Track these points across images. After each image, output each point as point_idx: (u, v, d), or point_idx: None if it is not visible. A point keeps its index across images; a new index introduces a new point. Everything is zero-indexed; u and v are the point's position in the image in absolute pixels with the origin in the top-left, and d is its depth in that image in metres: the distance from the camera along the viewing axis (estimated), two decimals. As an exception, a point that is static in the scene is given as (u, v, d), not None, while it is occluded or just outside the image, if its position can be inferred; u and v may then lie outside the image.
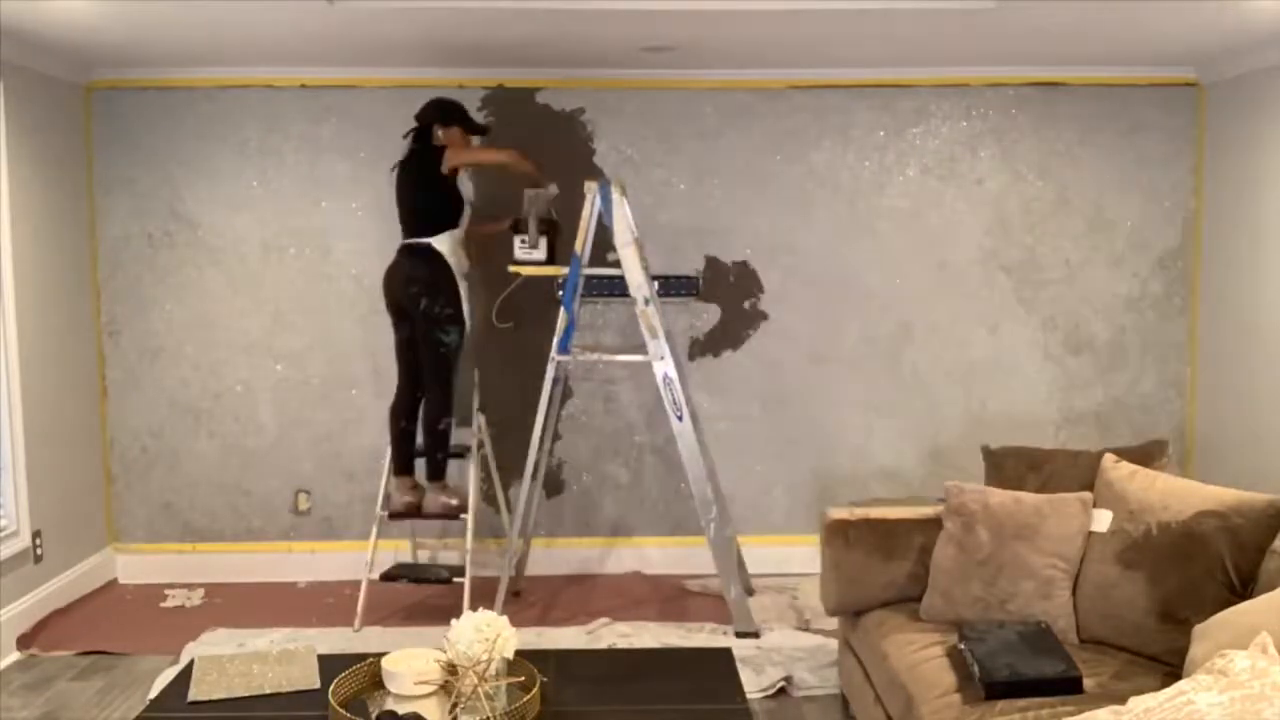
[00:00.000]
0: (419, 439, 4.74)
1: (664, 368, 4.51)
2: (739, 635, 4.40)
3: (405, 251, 4.63)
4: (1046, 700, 2.56)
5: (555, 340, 4.58)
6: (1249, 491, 2.89)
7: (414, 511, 4.72)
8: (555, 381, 4.68)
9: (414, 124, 4.70)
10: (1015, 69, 5.26)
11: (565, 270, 4.63)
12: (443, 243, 4.59)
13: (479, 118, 5.06)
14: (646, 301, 4.52)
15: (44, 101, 4.81)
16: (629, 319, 5.09)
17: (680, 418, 4.51)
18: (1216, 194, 5.23)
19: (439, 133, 4.66)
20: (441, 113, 4.68)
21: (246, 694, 2.79)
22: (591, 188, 4.55)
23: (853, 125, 5.33)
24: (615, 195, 4.52)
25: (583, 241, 4.57)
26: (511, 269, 4.74)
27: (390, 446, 4.74)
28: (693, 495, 4.55)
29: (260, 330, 5.31)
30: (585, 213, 4.56)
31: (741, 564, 4.88)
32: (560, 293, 4.72)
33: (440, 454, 4.71)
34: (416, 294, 4.56)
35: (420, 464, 4.74)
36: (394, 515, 4.73)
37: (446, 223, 4.62)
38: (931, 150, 5.35)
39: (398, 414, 4.73)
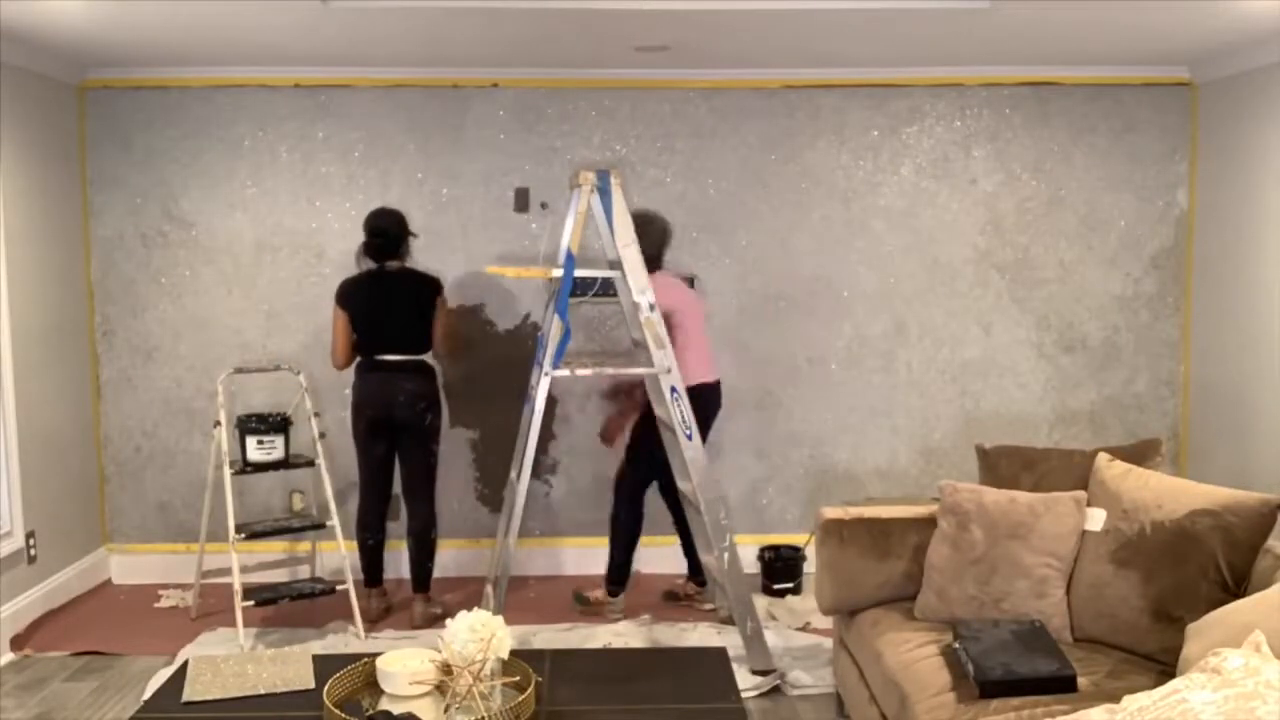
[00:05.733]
0: (371, 547, 4.78)
1: (671, 380, 4.10)
2: (754, 673, 4.05)
3: (396, 368, 4.60)
4: (1041, 699, 2.56)
5: (549, 351, 4.09)
6: (1242, 490, 2.90)
7: (381, 617, 4.73)
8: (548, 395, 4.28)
9: (376, 233, 4.60)
10: (1009, 69, 5.27)
11: (555, 272, 4.17)
12: (428, 359, 4.71)
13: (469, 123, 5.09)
14: (651, 307, 4.08)
15: (37, 101, 4.80)
16: (610, 320, 5.04)
17: (690, 436, 4.11)
18: (1209, 193, 5.24)
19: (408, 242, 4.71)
20: (405, 225, 4.68)
21: (241, 694, 2.79)
22: (588, 178, 4.06)
23: (847, 125, 5.34)
24: (615, 187, 4.07)
25: (578, 238, 4.12)
26: (492, 271, 4.57)
27: (360, 560, 4.76)
28: (705, 523, 4.17)
29: (254, 330, 5.31)
30: (580, 206, 4.07)
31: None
32: (555, 300, 4.19)
33: (430, 564, 4.74)
34: (424, 409, 4.63)
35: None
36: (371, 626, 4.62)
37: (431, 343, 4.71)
38: (925, 150, 5.36)
39: (367, 528, 4.74)
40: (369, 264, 4.63)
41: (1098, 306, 5.43)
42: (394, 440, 4.68)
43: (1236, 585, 2.74)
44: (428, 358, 4.69)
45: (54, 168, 4.96)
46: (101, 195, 5.23)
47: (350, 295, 4.62)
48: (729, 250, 5.36)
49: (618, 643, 4.38)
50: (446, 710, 2.52)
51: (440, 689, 2.63)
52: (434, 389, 4.70)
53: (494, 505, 5.29)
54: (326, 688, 2.62)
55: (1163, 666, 2.72)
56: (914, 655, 2.94)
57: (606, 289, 4.38)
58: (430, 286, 4.67)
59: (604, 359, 5.09)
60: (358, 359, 4.67)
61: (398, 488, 4.81)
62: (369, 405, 4.62)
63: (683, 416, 4.12)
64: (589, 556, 5.36)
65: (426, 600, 4.69)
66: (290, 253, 5.29)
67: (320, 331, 5.26)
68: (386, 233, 4.60)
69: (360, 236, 4.66)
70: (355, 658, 2.86)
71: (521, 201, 5.29)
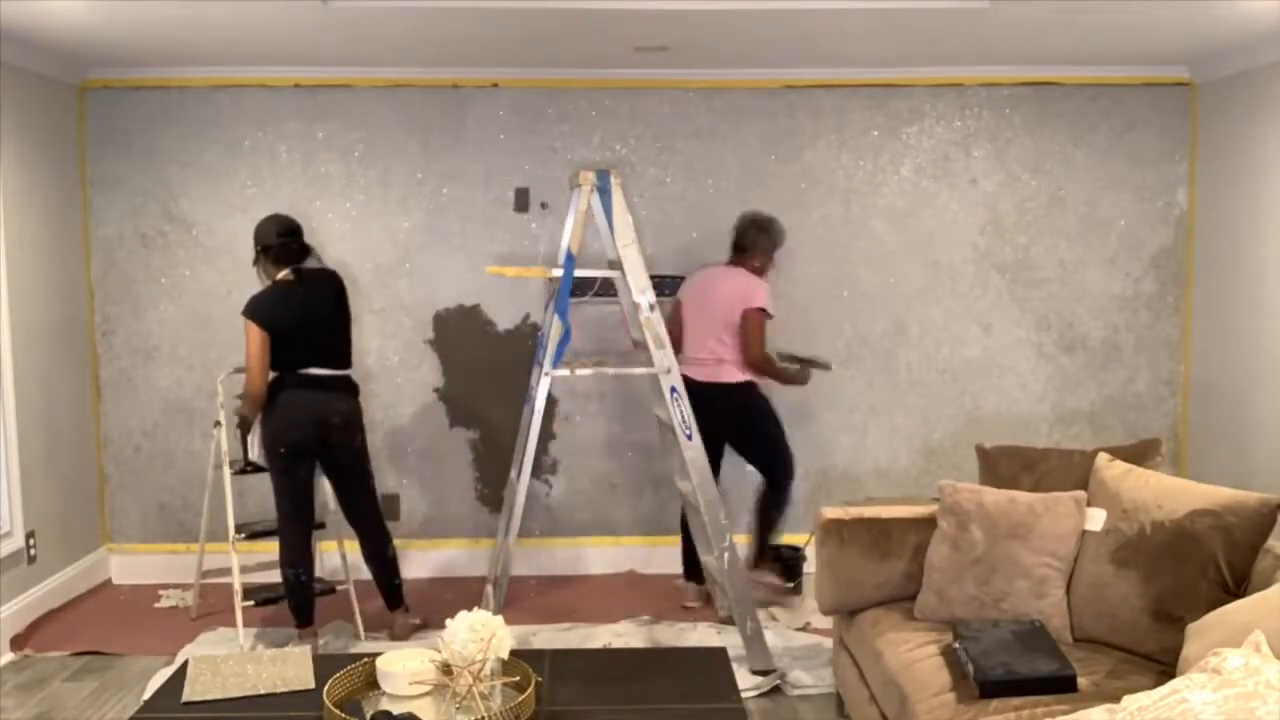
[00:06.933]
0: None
1: (671, 380, 4.11)
2: (754, 673, 4.04)
3: (326, 385, 4.23)
4: (1041, 699, 2.56)
5: (549, 351, 4.11)
6: (1242, 490, 2.90)
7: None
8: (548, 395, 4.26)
9: (288, 232, 4.28)
10: (1009, 69, 5.27)
11: (555, 272, 4.18)
12: (354, 374, 4.40)
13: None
14: (651, 308, 4.09)
15: (38, 101, 4.80)
16: (609, 320, 5.02)
17: (690, 436, 4.11)
18: (1209, 193, 5.24)
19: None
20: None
21: (241, 694, 2.78)
22: (588, 177, 4.08)
23: (847, 125, 5.34)
24: (615, 187, 4.10)
25: (578, 238, 4.14)
26: (492, 271, 4.46)
27: (289, 601, 4.31)
28: (705, 523, 4.19)
29: (254, 330, 5.30)
30: (580, 206, 4.10)
31: None
32: (554, 300, 4.20)
33: (398, 580, 4.52)
34: (358, 432, 4.35)
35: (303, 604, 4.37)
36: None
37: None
38: (925, 150, 5.35)
39: (296, 564, 4.28)
40: (274, 271, 4.25)
41: (1098, 306, 5.42)
42: (317, 464, 4.31)
43: (1236, 585, 2.74)
44: (353, 373, 4.38)
45: (54, 168, 4.95)
46: (101, 195, 5.23)
47: (271, 311, 4.14)
48: (728, 250, 5.34)
49: (618, 643, 4.38)
50: (447, 710, 2.52)
51: (440, 689, 2.62)
52: (359, 407, 4.37)
53: (494, 505, 5.30)
54: (326, 688, 2.62)
55: (1163, 666, 2.72)
56: (914, 655, 2.94)
57: (606, 289, 4.41)
58: (343, 286, 4.37)
59: (604, 359, 5.07)
60: (275, 374, 4.19)
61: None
62: (297, 428, 4.18)
63: (683, 416, 4.13)
64: (589, 556, 5.37)
65: (405, 612, 4.54)
66: (290, 253, 5.28)
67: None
68: (297, 231, 4.28)
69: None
70: (355, 657, 2.85)
71: (521, 201, 5.29)
